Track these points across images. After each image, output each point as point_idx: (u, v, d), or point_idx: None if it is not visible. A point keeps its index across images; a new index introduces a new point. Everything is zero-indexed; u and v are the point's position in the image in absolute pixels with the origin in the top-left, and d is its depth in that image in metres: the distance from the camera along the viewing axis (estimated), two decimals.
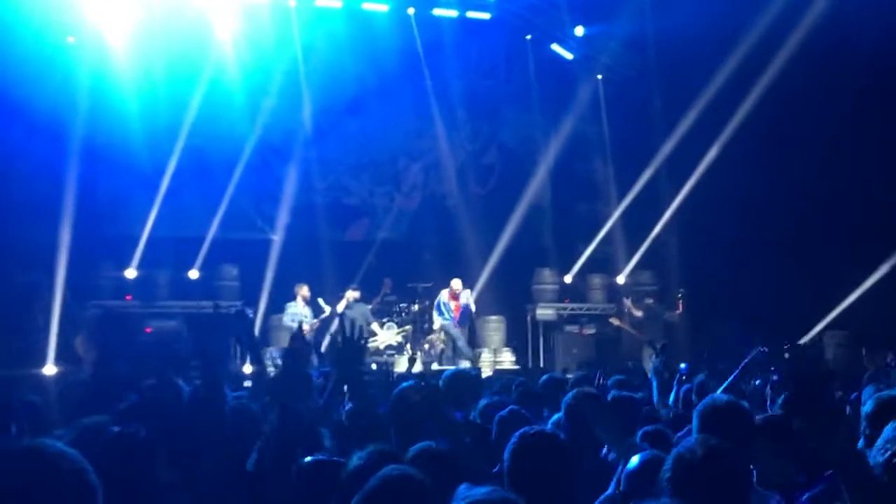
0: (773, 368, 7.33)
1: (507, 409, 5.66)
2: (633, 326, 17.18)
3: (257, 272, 17.80)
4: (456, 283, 16.69)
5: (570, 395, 5.43)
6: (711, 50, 16.56)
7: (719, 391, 5.41)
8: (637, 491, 3.29)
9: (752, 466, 4.13)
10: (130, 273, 17.11)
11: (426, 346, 17.00)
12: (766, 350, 5.96)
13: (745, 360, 5.76)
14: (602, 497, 4.29)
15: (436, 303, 16.86)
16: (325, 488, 3.45)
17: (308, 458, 3.75)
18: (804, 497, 3.50)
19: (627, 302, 17.49)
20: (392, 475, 3.01)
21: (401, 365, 15.97)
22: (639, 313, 17.18)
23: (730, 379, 5.75)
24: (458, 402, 6.39)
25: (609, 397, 6.19)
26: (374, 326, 16.93)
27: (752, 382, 7.11)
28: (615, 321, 17.47)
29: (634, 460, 3.96)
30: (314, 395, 5.67)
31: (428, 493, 2.99)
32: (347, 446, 4.56)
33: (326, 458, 3.86)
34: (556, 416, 5.93)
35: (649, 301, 17.50)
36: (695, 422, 4.08)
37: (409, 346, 17.08)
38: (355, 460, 3.56)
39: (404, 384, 5.49)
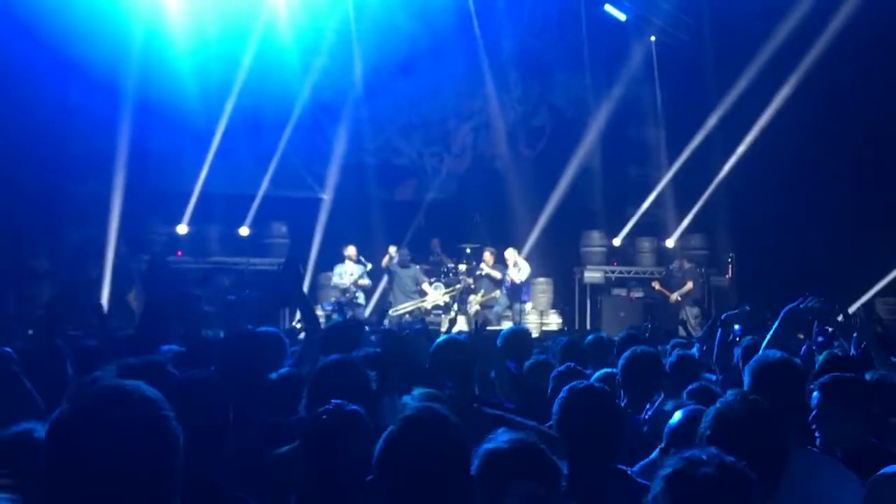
0: (819, 329, 7.24)
1: (564, 366, 5.71)
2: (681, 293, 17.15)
3: (307, 230, 17.94)
4: (508, 254, 16.91)
5: (629, 350, 5.47)
6: (765, 13, 16.32)
7: (763, 345, 5.35)
8: (679, 445, 3.29)
9: (814, 428, 4.12)
10: (182, 229, 17.32)
11: (469, 307, 17.02)
12: (817, 301, 5.83)
13: (786, 309, 5.66)
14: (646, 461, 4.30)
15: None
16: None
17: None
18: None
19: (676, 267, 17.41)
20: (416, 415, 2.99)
21: (444, 324, 16.13)
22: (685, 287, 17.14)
23: (773, 329, 5.66)
24: (514, 359, 6.50)
25: (668, 358, 6.22)
26: (425, 286, 17.01)
27: (805, 345, 7.05)
28: (657, 286, 17.44)
29: (677, 415, 3.96)
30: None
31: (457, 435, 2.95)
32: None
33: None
34: (600, 372, 5.97)
35: (686, 264, 17.41)
36: (747, 379, 4.05)
37: (455, 305, 17.13)
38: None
39: (441, 338, 5.56)
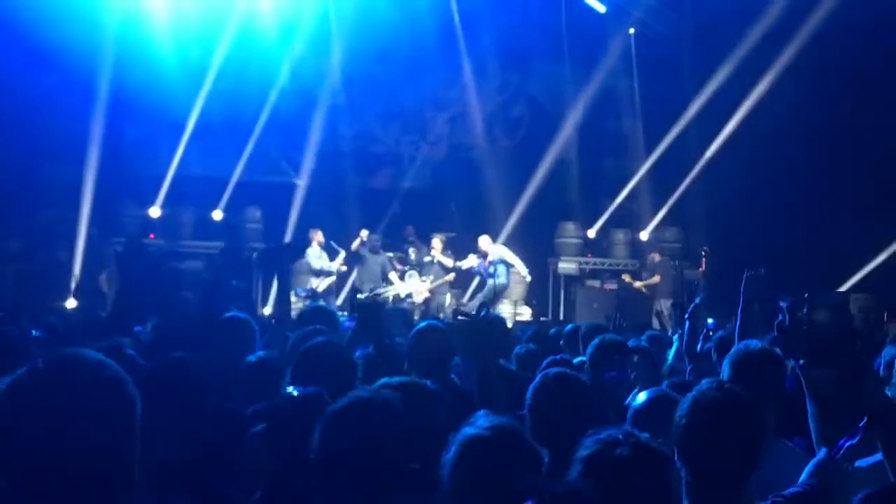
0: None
1: (559, 356, 5.71)
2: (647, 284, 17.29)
3: (281, 216, 17.86)
4: (482, 241, 16.81)
5: (596, 339, 5.46)
6: (744, 6, 16.36)
7: (735, 334, 5.35)
8: (643, 428, 3.28)
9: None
10: (155, 211, 17.21)
11: (415, 294, 16.88)
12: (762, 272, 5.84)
13: (742, 288, 5.67)
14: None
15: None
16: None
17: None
18: (843, 444, 3.44)
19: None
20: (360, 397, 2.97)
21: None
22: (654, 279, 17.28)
23: (738, 319, 5.67)
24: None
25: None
26: (392, 276, 16.95)
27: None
28: (627, 278, 17.55)
29: (641, 397, 3.96)
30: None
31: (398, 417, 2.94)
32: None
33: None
34: (577, 359, 5.98)
35: (657, 258, 17.55)
36: (726, 369, 4.03)
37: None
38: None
39: (422, 323, 5.53)
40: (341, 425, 2.79)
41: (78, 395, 1.99)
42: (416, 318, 14.68)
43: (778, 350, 4.37)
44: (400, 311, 13.92)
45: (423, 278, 16.91)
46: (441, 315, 14.55)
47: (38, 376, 2.00)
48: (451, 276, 17.08)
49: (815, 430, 3.30)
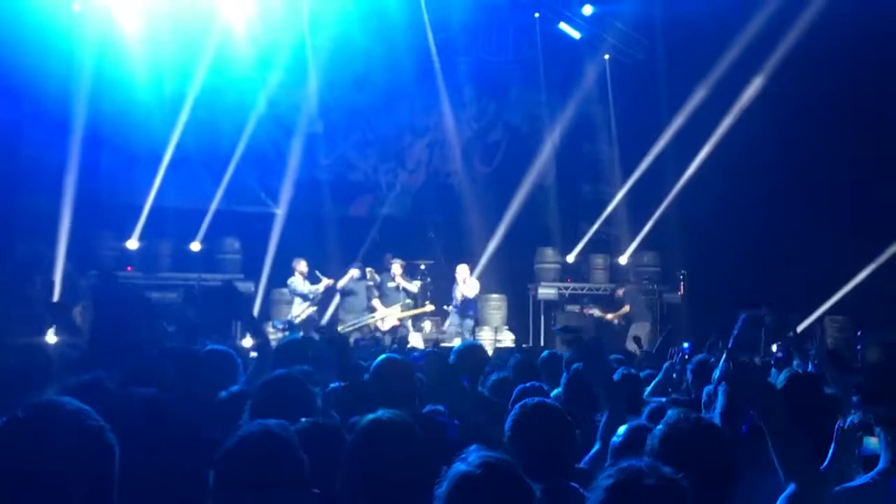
0: (778, 345, 7.29)
1: (529, 384, 5.69)
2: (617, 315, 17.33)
3: (260, 246, 17.81)
4: (461, 270, 16.75)
5: (574, 366, 5.47)
6: (718, 33, 16.52)
7: (719, 365, 5.36)
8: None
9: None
10: (132, 244, 17.12)
11: (380, 321, 16.71)
12: (767, 312, 5.88)
13: (738, 325, 5.70)
14: (588, 456, 4.33)
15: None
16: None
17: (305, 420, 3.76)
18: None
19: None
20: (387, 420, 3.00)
21: (414, 339, 16.04)
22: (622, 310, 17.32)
23: (727, 349, 5.69)
24: (469, 375, 6.46)
25: (616, 375, 6.22)
26: (375, 302, 16.90)
27: (753, 360, 7.09)
28: (597, 312, 17.52)
29: (620, 431, 3.97)
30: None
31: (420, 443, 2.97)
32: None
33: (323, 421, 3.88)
34: (555, 392, 5.98)
35: (620, 292, 17.60)
36: (720, 398, 4.03)
37: (409, 322, 17.03)
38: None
39: (380, 357, 5.53)
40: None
41: (58, 445, 1.99)
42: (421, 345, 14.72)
43: (771, 381, 4.40)
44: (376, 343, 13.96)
45: (397, 305, 16.79)
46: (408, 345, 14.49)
47: (18, 426, 2.00)
48: (431, 306, 17.00)
49: (783, 464, 3.30)
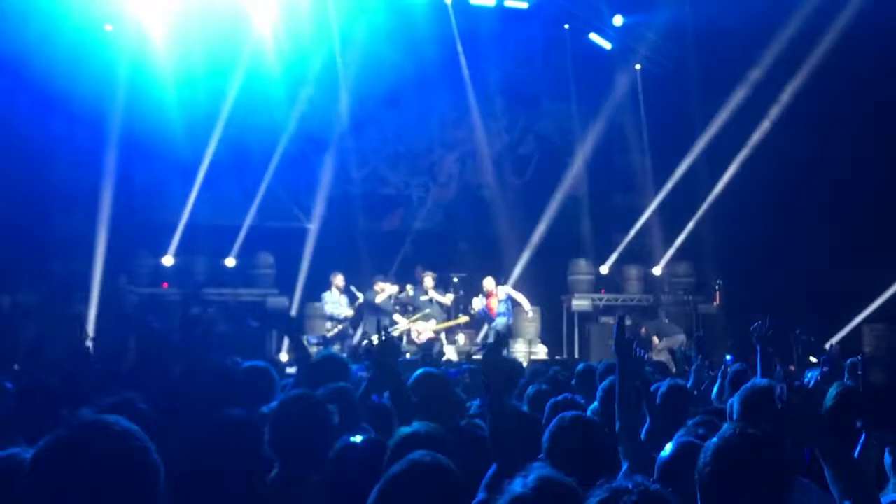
0: (823, 359, 7.19)
1: (561, 396, 5.66)
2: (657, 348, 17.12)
3: (293, 261, 17.86)
4: (486, 284, 16.62)
5: (606, 381, 5.43)
6: (749, 41, 16.44)
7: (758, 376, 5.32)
8: (671, 478, 3.25)
9: None
10: (168, 260, 17.23)
11: (415, 334, 16.69)
12: (803, 334, 5.83)
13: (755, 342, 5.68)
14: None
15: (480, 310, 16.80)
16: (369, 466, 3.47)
17: (354, 438, 3.77)
18: None
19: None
20: (420, 461, 3.01)
21: (448, 353, 16.04)
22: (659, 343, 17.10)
23: (758, 365, 5.66)
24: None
25: (653, 387, 6.17)
26: (395, 316, 16.80)
27: (805, 377, 6.99)
28: (649, 333, 17.27)
29: (668, 449, 3.93)
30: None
31: (456, 481, 2.99)
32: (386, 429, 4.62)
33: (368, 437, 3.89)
34: (592, 406, 5.94)
35: (643, 329, 17.39)
36: (736, 407, 4.02)
37: (443, 335, 16.98)
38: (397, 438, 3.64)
39: (418, 371, 5.53)
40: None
41: (102, 464, 1.99)
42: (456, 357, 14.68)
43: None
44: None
45: (430, 319, 16.73)
46: (444, 358, 14.43)
47: (62, 446, 2.00)
48: (465, 318, 16.94)
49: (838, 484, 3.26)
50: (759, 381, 4.17)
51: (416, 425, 3.97)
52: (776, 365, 6.29)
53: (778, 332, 5.78)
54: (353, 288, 16.52)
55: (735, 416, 4.00)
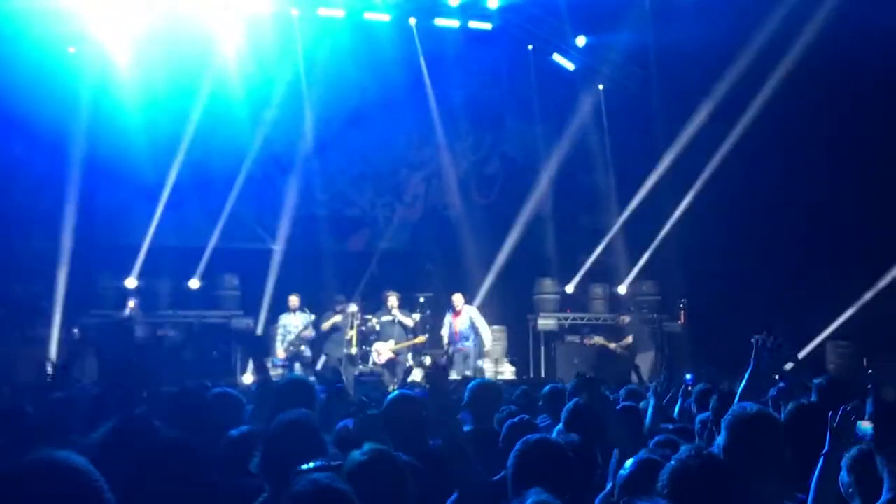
0: (777, 377, 7.27)
1: (517, 418, 5.67)
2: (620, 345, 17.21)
3: (258, 282, 17.80)
4: (456, 300, 16.52)
5: (572, 401, 5.45)
6: (712, 62, 16.57)
7: (738, 397, 5.33)
8: (631, 494, 3.27)
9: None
10: (131, 282, 17.09)
11: (375, 355, 16.58)
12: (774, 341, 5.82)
13: (753, 356, 5.70)
14: (600, 496, 4.31)
15: (443, 325, 16.77)
16: None
17: (309, 464, 3.74)
18: None
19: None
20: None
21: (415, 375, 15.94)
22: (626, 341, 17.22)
23: (745, 380, 5.68)
24: (477, 412, 6.42)
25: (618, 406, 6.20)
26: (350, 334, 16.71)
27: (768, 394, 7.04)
28: (600, 341, 17.38)
29: (627, 464, 3.94)
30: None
31: None
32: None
33: (326, 462, 3.86)
34: (558, 427, 5.95)
35: (625, 319, 17.50)
36: (723, 433, 4.00)
37: (409, 356, 16.90)
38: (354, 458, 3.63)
39: (393, 393, 5.52)
40: None
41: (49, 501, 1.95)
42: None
43: (774, 413, 4.37)
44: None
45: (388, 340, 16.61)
46: (409, 378, 14.35)
47: (8, 482, 1.97)
48: (423, 337, 16.80)
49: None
50: (747, 405, 4.13)
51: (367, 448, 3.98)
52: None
53: (775, 346, 5.79)
54: (306, 309, 16.43)
55: (722, 442, 3.98)
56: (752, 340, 5.70)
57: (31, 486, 1.97)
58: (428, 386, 4.89)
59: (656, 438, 5.23)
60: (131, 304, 16.19)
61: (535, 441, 3.95)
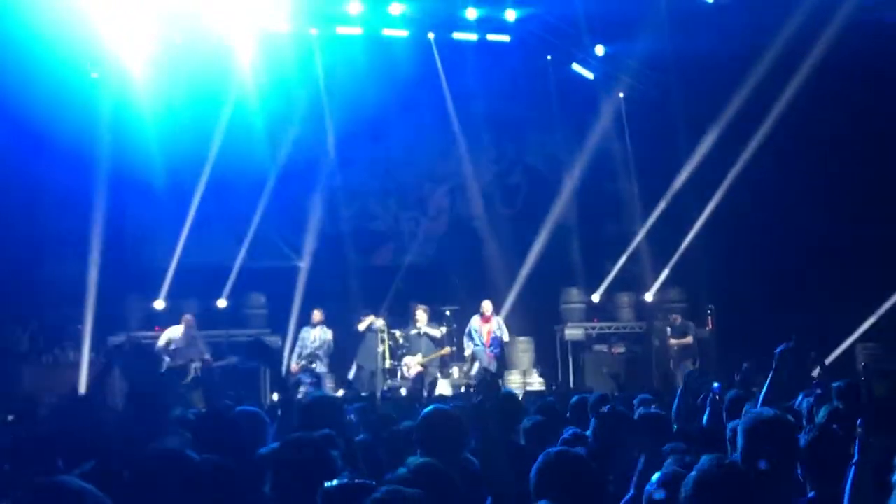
0: (815, 383, 7.22)
1: (570, 433, 5.67)
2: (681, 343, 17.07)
3: (285, 300, 17.85)
4: (486, 306, 16.68)
5: (595, 414, 5.45)
6: (731, 66, 16.52)
7: (759, 403, 5.32)
8: None
9: None
10: (159, 304, 17.19)
11: (405, 369, 16.69)
12: (791, 345, 5.82)
13: (774, 364, 5.68)
14: (622, 501, 4.31)
15: (466, 329, 16.84)
16: None
17: (334, 482, 3.76)
18: None
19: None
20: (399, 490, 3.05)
21: (442, 387, 16.00)
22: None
23: (766, 386, 5.67)
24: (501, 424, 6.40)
25: (636, 415, 6.17)
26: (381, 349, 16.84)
27: (798, 400, 7.00)
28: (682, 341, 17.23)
29: (654, 478, 3.94)
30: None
31: None
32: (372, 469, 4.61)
33: (352, 481, 3.88)
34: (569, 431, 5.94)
35: (677, 318, 17.42)
36: (739, 438, 4.01)
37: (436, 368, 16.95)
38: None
39: (429, 407, 5.51)
40: None
41: None
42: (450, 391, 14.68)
43: (791, 417, 4.38)
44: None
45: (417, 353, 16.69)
46: (436, 392, 14.39)
47: None
48: (447, 349, 16.86)
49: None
50: (764, 410, 4.15)
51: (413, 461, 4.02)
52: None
53: (799, 355, 5.80)
54: (325, 327, 16.53)
55: (739, 446, 3.99)
56: (776, 351, 5.71)
57: None
58: (479, 396, 4.88)
59: (670, 446, 5.21)
60: (187, 317, 16.25)
61: (556, 453, 3.95)
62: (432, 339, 16.68)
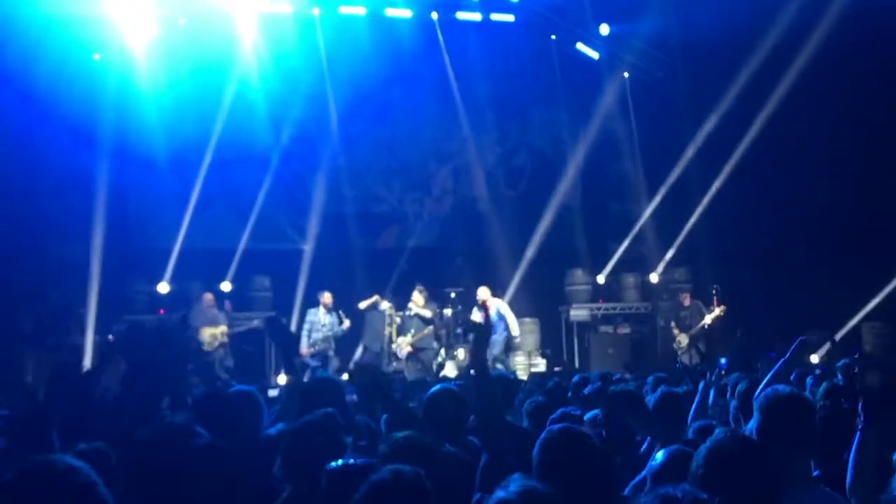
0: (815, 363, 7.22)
1: (560, 411, 5.66)
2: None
3: (289, 282, 17.83)
4: (480, 293, 16.44)
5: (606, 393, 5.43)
6: (736, 46, 16.44)
7: (765, 381, 5.29)
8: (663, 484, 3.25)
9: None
10: (163, 287, 17.18)
11: (396, 348, 16.60)
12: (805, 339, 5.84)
13: (790, 351, 5.66)
14: (632, 483, 4.30)
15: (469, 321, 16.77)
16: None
17: (338, 462, 3.75)
18: None
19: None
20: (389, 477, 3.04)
21: (448, 369, 16.00)
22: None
23: (775, 368, 5.65)
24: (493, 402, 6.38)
25: (652, 395, 6.14)
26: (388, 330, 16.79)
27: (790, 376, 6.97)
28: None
29: (659, 456, 3.92)
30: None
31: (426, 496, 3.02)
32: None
33: (355, 461, 3.86)
34: (591, 413, 5.90)
35: (686, 297, 17.30)
36: (755, 414, 3.98)
37: (442, 351, 16.91)
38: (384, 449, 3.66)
39: (435, 387, 5.50)
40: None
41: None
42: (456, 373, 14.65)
43: (808, 394, 4.36)
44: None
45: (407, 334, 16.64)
46: (442, 373, 14.34)
47: (8, 489, 1.99)
48: (430, 328, 16.72)
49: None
50: (779, 387, 4.11)
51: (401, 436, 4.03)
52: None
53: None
54: (340, 312, 16.30)
55: (755, 424, 3.95)
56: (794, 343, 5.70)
57: (26, 492, 2.00)
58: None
59: (694, 425, 5.21)
60: (227, 306, 16.27)
61: (559, 430, 3.91)
62: (423, 319, 16.57)
